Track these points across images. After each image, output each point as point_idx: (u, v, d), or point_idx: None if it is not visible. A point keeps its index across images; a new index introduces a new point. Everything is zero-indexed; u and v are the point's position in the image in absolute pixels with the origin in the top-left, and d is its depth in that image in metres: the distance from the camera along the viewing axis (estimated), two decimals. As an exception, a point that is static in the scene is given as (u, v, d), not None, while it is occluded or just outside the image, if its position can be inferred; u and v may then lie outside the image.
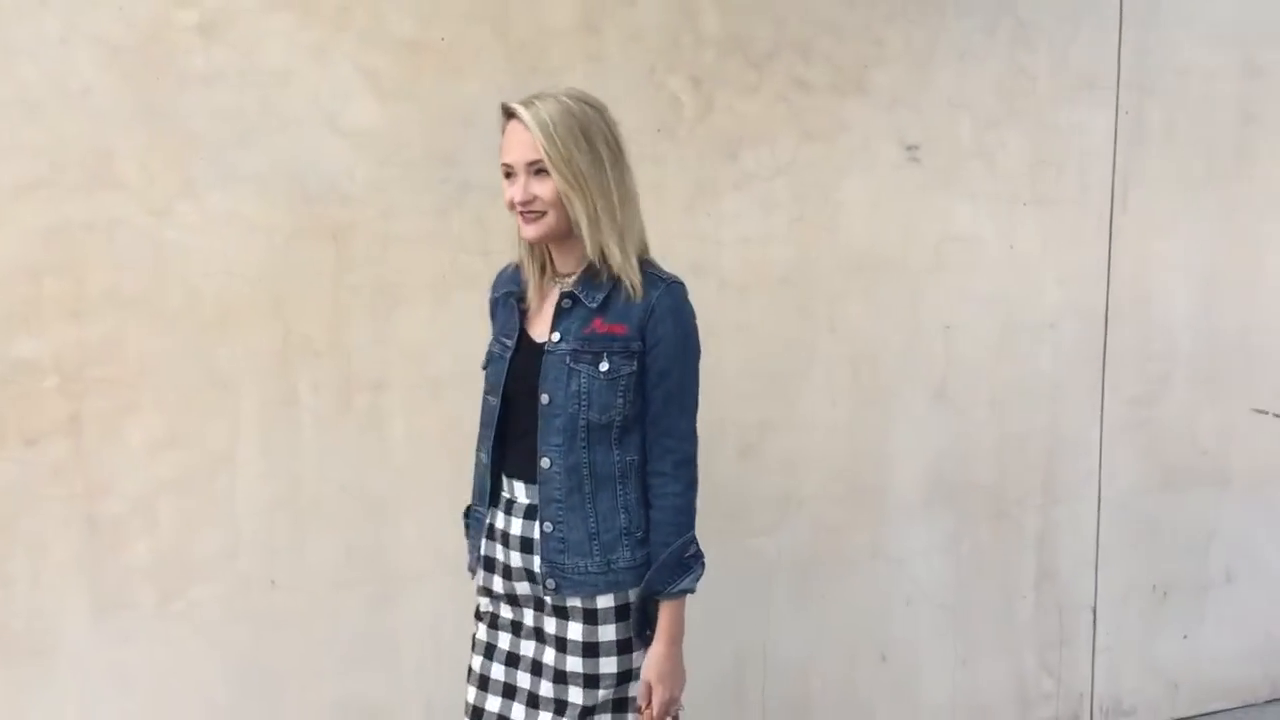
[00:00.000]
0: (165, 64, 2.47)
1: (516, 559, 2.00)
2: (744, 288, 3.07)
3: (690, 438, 2.00)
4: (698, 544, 2.00)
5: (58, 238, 2.42)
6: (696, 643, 3.08)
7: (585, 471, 1.95)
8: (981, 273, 3.37)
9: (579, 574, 1.95)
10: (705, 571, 2.04)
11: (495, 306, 2.14)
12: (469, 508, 2.14)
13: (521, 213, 1.93)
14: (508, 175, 1.94)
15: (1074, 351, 3.52)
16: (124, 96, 2.44)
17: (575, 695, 1.97)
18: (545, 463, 1.96)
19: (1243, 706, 3.91)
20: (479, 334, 2.21)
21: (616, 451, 1.96)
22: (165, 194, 2.50)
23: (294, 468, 2.65)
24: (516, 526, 2.00)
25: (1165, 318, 3.65)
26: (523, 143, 1.89)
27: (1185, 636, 3.81)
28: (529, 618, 2.02)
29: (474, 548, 2.09)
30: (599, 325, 1.94)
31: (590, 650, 1.96)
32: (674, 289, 1.99)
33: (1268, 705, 3.93)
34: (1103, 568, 3.65)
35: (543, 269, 2.04)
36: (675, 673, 1.98)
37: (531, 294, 2.04)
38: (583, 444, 1.94)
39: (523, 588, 2.01)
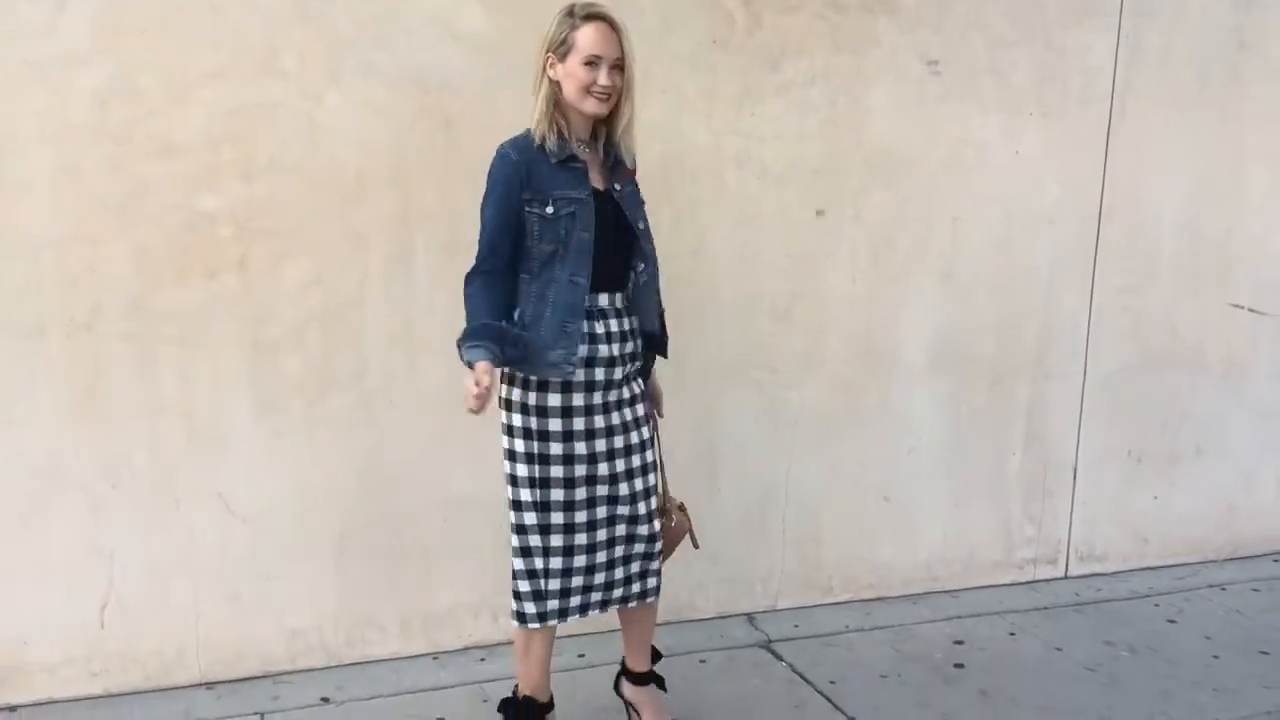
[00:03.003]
0: (319, -22, 3.10)
1: (617, 349, 2.72)
2: (781, 178, 3.66)
3: None
4: None
5: (234, 116, 3.07)
6: (729, 477, 3.74)
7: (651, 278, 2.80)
8: (989, 173, 3.92)
9: (647, 347, 2.85)
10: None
11: (530, 169, 2.64)
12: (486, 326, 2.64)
13: (598, 94, 2.59)
14: (591, 64, 2.57)
15: (1068, 244, 4.08)
16: (288, 2, 3.07)
17: (646, 432, 2.82)
18: (640, 275, 2.75)
19: (1203, 562, 4.51)
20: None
21: None
22: (317, 83, 3.13)
23: (410, 309, 3.31)
24: (614, 325, 2.73)
25: (1154, 218, 4.18)
26: (612, 42, 2.58)
27: (1155, 498, 4.40)
28: (614, 395, 2.75)
29: (571, 353, 2.64)
30: (627, 173, 2.73)
31: (644, 396, 2.86)
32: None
33: (1226, 562, 4.52)
34: (1084, 434, 4.24)
35: (560, 136, 2.65)
36: None
37: (555, 150, 2.64)
38: (650, 258, 2.74)
39: (617, 372, 2.74)
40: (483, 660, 3.47)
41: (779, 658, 3.58)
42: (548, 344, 2.63)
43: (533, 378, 2.66)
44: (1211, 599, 4.17)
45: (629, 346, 2.77)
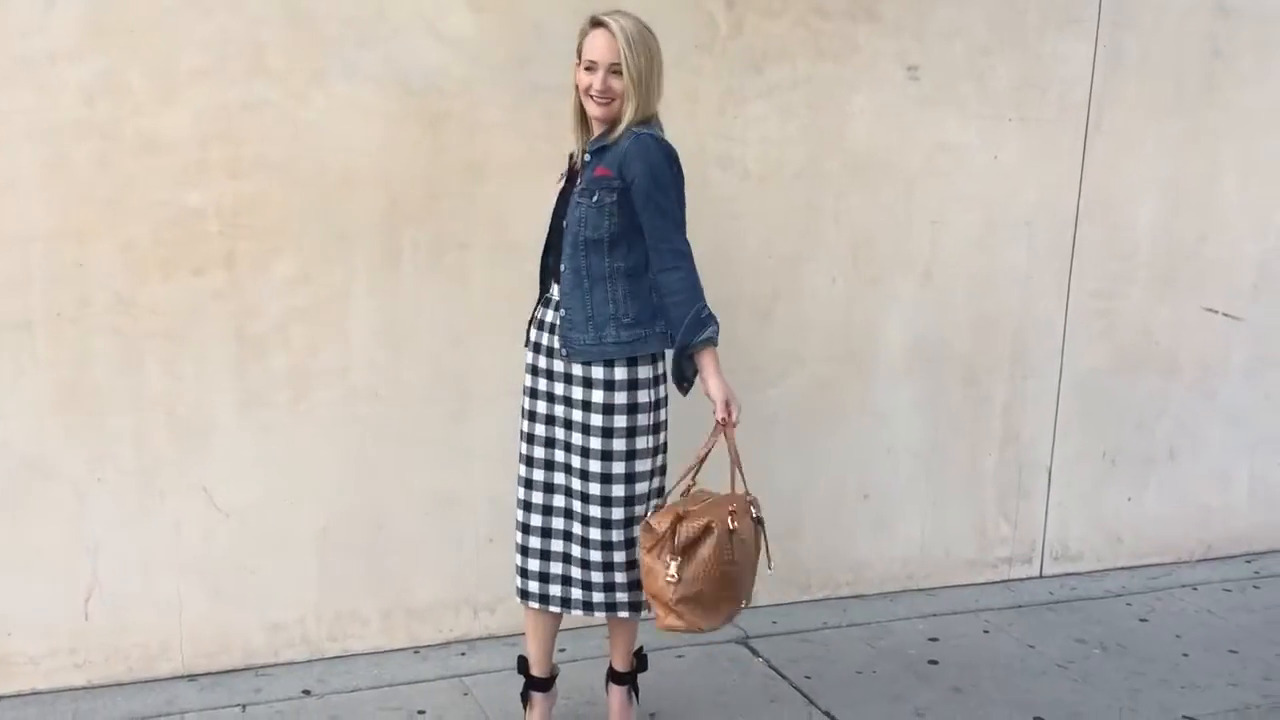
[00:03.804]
0: (307, -22, 3.13)
1: (544, 339, 2.82)
2: (763, 180, 3.70)
3: (679, 239, 2.73)
4: (709, 309, 2.73)
5: (221, 114, 3.10)
6: (708, 473, 3.77)
7: (583, 273, 2.73)
8: (968, 177, 3.97)
9: (579, 345, 2.75)
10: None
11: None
12: None
13: (596, 99, 2.67)
14: (589, 69, 2.67)
15: (1045, 248, 4.14)
16: (275, 2, 3.10)
17: (594, 442, 2.76)
18: (562, 267, 2.76)
19: (1175, 562, 4.57)
20: (545, 206, 2.88)
21: (606, 259, 2.73)
22: (303, 83, 3.16)
23: (395, 306, 3.34)
24: (549, 316, 2.82)
25: (1129, 224, 4.25)
26: (610, 48, 2.65)
27: (1129, 499, 4.46)
28: (559, 388, 2.80)
29: (528, 331, 2.91)
30: (598, 171, 2.72)
31: (606, 409, 2.75)
32: (641, 138, 2.69)
33: (1198, 563, 4.59)
34: (1060, 434, 4.30)
35: (586, 136, 2.82)
36: (730, 389, 2.75)
37: (578, 154, 2.83)
38: (582, 253, 2.73)
39: (557, 364, 2.79)
40: (463, 654, 3.51)
41: (756, 653, 3.63)
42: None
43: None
44: (1183, 599, 4.24)
45: (554, 340, 2.80)
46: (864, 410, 4.00)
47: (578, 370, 2.76)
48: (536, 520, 2.86)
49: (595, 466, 2.77)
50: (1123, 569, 4.47)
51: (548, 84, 3.31)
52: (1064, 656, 3.70)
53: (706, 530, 2.64)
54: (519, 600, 2.93)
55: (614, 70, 2.66)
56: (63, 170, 2.98)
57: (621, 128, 2.70)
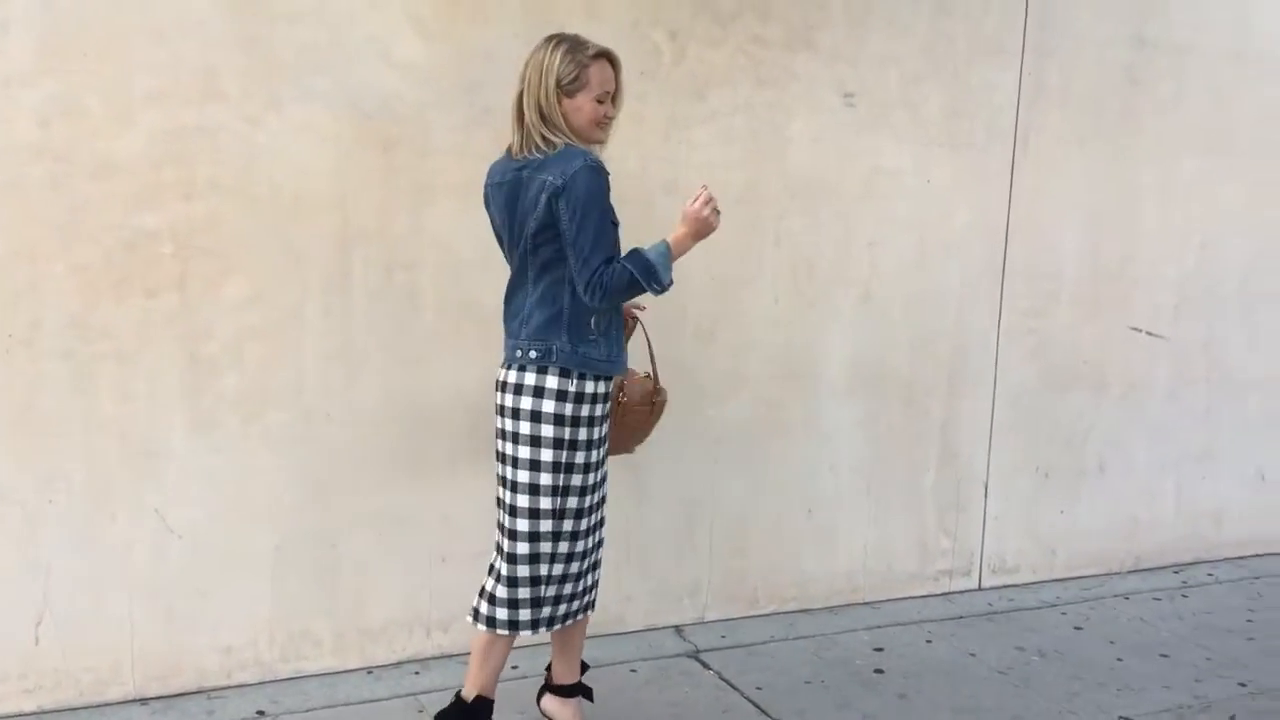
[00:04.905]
0: (261, 3, 3.18)
1: None
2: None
3: None
4: None
5: (175, 137, 3.13)
6: (657, 493, 3.85)
7: None
8: (902, 200, 4.11)
9: None
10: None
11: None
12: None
13: (606, 125, 2.83)
14: (603, 100, 2.80)
15: (977, 269, 4.29)
16: (229, 28, 3.15)
17: None
18: None
19: (1108, 574, 4.72)
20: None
21: None
22: (257, 107, 3.21)
23: (347, 326, 3.38)
24: None
25: (1056, 246, 4.42)
26: (615, 79, 2.82)
27: (1062, 512, 4.61)
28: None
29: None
30: None
31: None
32: None
33: (1129, 574, 4.74)
34: (995, 450, 4.43)
35: None
36: None
37: None
38: None
39: None
40: (417, 673, 3.53)
41: (707, 666, 3.69)
42: (619, 349, 2.93)
43: (569, 389, 2.80)
44: (1116, 607, 4.38)
45: None
46: (807, 428, 4.10)
47: None
48: (580, 546, 2.91)
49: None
50: (1057, 580, 4.61)
51: (497, 106, 3.37)
52: (1004, 664, 3.81)
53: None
54: (533, 631, 2.90)
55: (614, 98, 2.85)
56: (16, 192, 2.99)
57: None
